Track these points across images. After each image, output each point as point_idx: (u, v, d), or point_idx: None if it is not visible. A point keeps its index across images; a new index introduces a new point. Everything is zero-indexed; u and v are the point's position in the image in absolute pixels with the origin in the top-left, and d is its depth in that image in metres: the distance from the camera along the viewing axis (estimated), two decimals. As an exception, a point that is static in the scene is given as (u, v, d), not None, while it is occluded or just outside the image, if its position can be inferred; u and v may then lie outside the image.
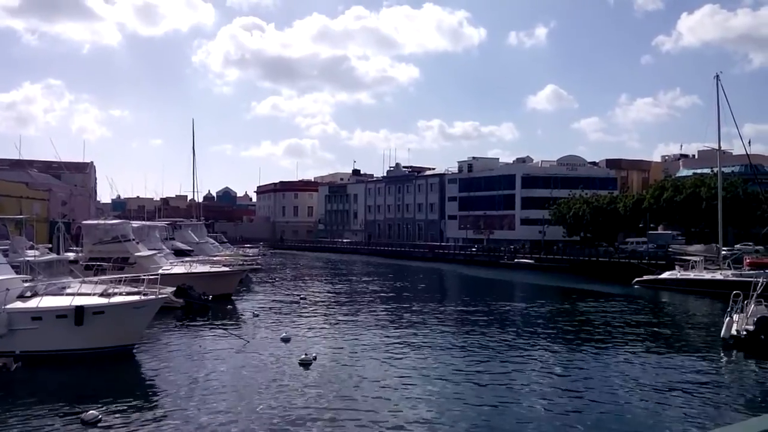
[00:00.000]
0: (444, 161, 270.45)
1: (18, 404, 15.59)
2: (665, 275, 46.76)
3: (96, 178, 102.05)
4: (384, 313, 33.09)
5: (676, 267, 46.87)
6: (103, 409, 14.90)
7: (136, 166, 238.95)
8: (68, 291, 21.94)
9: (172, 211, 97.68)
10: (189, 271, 37.10)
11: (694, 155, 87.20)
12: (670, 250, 53.93)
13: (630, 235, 71.19)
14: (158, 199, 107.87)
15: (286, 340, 23.78)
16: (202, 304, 32.17)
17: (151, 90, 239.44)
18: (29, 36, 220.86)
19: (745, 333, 22.53)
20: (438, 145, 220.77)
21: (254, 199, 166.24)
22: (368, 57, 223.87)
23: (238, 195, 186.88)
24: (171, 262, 40.10)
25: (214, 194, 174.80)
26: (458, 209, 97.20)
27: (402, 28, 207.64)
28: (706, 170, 66.97)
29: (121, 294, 21.55)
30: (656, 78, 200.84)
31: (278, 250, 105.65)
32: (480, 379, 18.46)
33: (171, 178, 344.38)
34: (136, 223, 45.56)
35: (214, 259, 46.58)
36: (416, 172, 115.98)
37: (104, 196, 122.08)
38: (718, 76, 44.94)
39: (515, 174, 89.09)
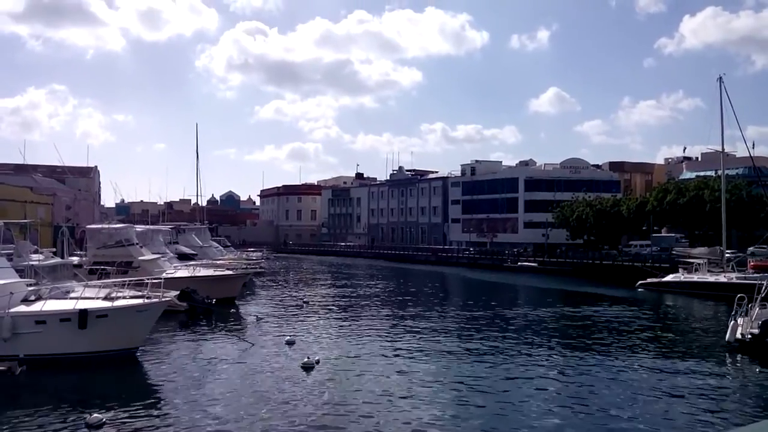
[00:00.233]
0: (447, 164, 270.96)
1: (23, 408, 15.65)
2: (669, 278, 46.66)
3: (100, 183, 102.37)
4: (387, 316, 33.09)
5: (680, 270, 46.76)
6: (108, 412, 14.94)
7: (140, 170, 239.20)
8: (72, 295, 21.99)
9: (175, 215, 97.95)
10: (193, 275, 37.16)
11: (697, 158, 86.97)
12: (673, 252, 53.84)
13: (633, 238, 71.05)
14: (162, 203, 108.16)
15: (290, 343, 23.83)
16: (206, 308, 32.22)
17: (155, 95, 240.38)
18: (33, 41, 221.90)
19: (750, 336, 22.46)
20: (441, 148, 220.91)
21: (258, 203, 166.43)
22: (371, 61, 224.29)
23: (241, 199, 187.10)
24: (175, 266, 40.18)
25: (218, 198, 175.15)
26: (461, 212, 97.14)
27: (404, 32, 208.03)
28: (710, 173, 66.88)
29: (124, 297, 21.61)
30: (659, 80, 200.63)
31: (282, 253, 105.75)
32: (483, 383, 18.44)
33: (175, 182, 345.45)
34: (139, 228, 45.68)
35: (218, 262, 46.67)
36: (419, 176, 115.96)
37: (108, 200, 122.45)
38: (721, 78, 44.95)
39: (518, 177, 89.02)
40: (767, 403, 17.38)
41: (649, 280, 48.50)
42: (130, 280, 23.48)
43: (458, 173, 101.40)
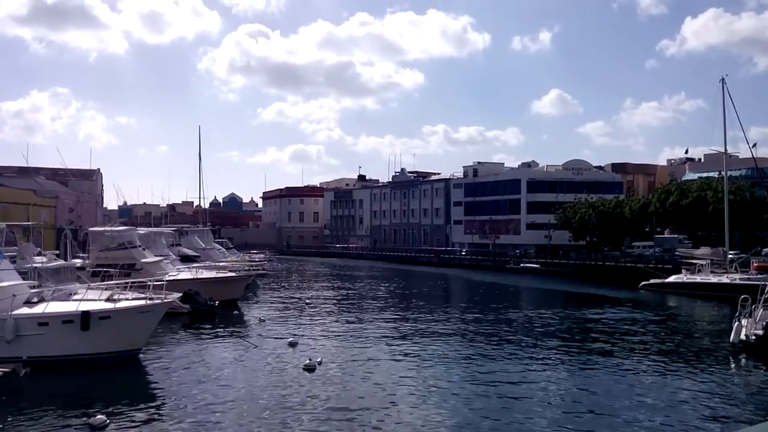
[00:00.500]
0: (449, 166, 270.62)
1: (27, 409, 15.69)
2: (672, 279, 46.60)
3: (103, 185, 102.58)
4: (389, 318, 33.08)
5: (683, 271, 46.69)
6: (111, 414, 14.96)
7: (143, 172, 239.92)
8: (74, 297, 22.03)
9: (178, 217, 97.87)
10: (195, 277, 37.19)
11: (700, 159, 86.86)
12: (676, 254, 53.76)
13: (636, 239, 70.98)
14: (165, 205, 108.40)
15: (293, 344, 23.85)
16: (209, 310, 32.24)
17: (157, 97, 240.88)
18: (37, 45, 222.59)
19: (754, 338, 22.41)
20: (443, 150, 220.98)
21: (260, 205, 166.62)
22: (373, 63, 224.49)
23: (244, 201, 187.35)
24: (178, 268, 40.22)
25: (221, 200, 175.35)
26: (464, 214, 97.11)
27: (406, 34, 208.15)
28: (713, 174, 66.77)
29: (127, 299, 21.64)
30: (661, 82, 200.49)
31: (284, 255, 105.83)
32: (486, 386, 18.39)
33: (177, 184, 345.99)
34: (142, 230, 45.76)
35: (221, 264, 46.70)
36: (421, 177, 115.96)
37: (111, 202, 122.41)
38: (723, 79, 44.92)
39: (521, 178, 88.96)
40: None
41: (651, 281, 48.44)
42: (132, 282, 23.50)
43: (460, 175, 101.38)
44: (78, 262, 34.89)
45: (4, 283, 20.52)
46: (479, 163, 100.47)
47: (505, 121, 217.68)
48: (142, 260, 36.62)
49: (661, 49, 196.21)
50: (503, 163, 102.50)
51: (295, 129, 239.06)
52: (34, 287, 22.45)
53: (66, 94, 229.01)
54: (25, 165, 70.29)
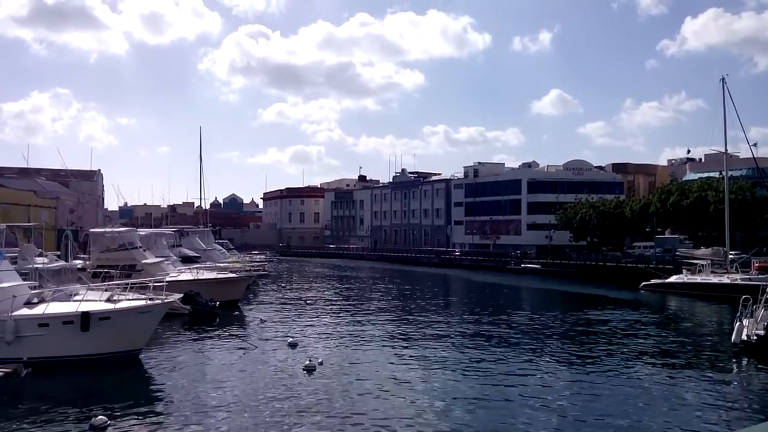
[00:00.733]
0: (450, 166, 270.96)
1: (28, 410, 15.71)
2: (672, 279, 46.58)
3: (103, 186, 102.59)
4: (390, 319, 33.09)
5: (684, 271, 46.65)
6: (112, 414, 14.96)
7: (143, 173, 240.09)
8: (74, 297, 22.03)
9: (179, 218, 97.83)
10: (196, 278, 37.21)
11: (700, 159, 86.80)
12: (677, 254, 53.71)
13: (637, 240, 70.93)
14: (165, 206, 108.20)
15: (293, 345, 23.84)
16: (210, 311, 32.26)
17: (158, 98, 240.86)
18: (37, 46, 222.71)
19: (755, 338, 22.37)
20: (443, 150, 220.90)
21: (261, 206, 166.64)
22: (373, 63, 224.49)
23: (244, 202, 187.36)
24: (178, 269, 40.23)
25: (221, 201, 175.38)
26: (464, 214, 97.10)
27: (407, 34, 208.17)
28: (713, 174, 66.74)
29: (127, 299, 21.64)
30: (661, 82, 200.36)
31: (285, 256, 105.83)
32: (486, 388, 18.33)
33: (178, 185, 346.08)
34: (143, 231, 45.78)
35: (221, 265, 46.70)
36: (422, 178, 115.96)
37: (111, 203, 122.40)
38: (723, 79, 44.88)
39: (521, 179, 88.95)
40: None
41: (652, 281, 48.40)
42: (132, 283, 23.50)
43: (461, 175, 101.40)
44: (79, 263, 34.90)
45: (4, 284, 20.52)
46: (480, 163, 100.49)
47: (506, 122, 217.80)
48: (143, 261, 36.64)
49: (662, 49, 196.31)
50: (504, 164, 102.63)
51: (296, 130, 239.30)
52: (34, 288, 22.45)
53: (67, 95, 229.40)
54: (25, 166, 70.37)
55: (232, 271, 41.83)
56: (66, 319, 19.97)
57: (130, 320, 20.91)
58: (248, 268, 45.90)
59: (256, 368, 20.44)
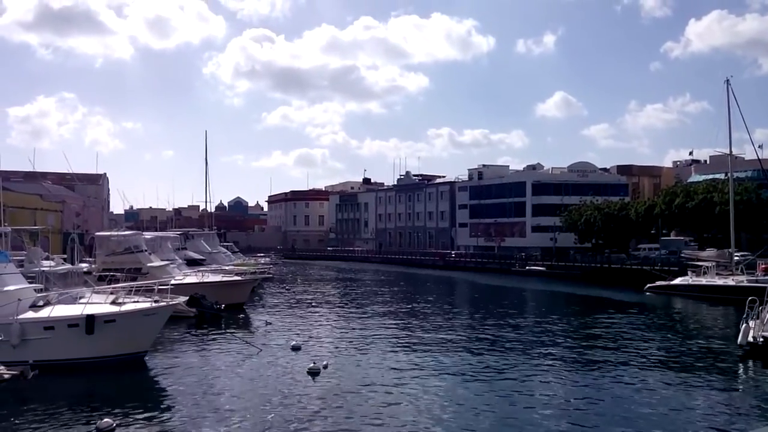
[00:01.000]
0: (454, 169, 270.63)
1: (34, 413, 15.76)
2: (677, 281, 46.46)
3: (109, 190, 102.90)
4: (395, 322, 33.08)
5: (689, 273, 46.54)
6: (117, 417, 15.02)
7: (149, 177, 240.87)
8: (80, 300, 22.11)
9: (184, 221, 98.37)
10: (201, 281, 37.30)
11: (705, 161, 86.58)
12: (682, 256, 53.57)
13: (642, 242, 70.77)
14: (170, 209, 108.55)
15: (296, 348, 23.84)
16: (215, 314, 32.33)
17: (163, 102, 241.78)
18: (43, 50, 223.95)
19: (761, 340, 22.28)
20: (448, 153, 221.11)
21: (265, 209, 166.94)
22: (377, 67, 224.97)
23: (249, 205, 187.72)
24: (184, 273, 40.33)
25: (226, 204, 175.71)
26: (469, 217, 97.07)
27: (411, 37, 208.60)
28: (719, 176, 66.55)
29: (132, 303, 21.70)
30: (666, 84, 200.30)
31: (290, 259, 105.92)
32: (490, 391, 18.25)
33: (183, 188, 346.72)
34: (148, 235, 45.90)
35: (227, 268, 46.79)
36: (426, 180, 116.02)
37: (117, 207, 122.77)
38: (728, 80, 44.81)
39: (526, 181, 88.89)
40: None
41: (657, 283, 48.28)
42: (137, 285, 23.56)
43: (465, 178, 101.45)
44: (85, 266, 35.00)
45: (10, 287, 20.61)
46: (484, 165, 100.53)
47: (510, 124, 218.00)
48: (149, 264, 36.74)
49: (666, 51, 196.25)
50: (508, 166, 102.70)
51: (300, 133, 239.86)
52: (39, 291, 22.53)
53: (72, 99, 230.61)
54: (31, 170, 70.33)
55: (237, 274, 41.90)
56: (71, 322, 20.03)
57: (135, 323, 20.96)
58: (253, 271, 45.99)
59: (261, 371, 20.47)
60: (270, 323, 31.30)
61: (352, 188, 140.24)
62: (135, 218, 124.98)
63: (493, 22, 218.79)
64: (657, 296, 45.79)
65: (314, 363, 20.43)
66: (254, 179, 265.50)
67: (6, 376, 18.42)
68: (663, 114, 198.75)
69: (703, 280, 43.99)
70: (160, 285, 23.50)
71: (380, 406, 16.42)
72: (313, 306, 39.84)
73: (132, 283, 24.42)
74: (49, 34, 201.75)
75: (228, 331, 29.16)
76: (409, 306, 40.59)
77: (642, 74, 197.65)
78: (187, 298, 29.87)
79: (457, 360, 22.61)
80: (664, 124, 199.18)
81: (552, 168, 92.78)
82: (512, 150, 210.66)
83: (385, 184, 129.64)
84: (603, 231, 71.37)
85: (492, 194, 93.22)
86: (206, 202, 72.44)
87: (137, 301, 22.00)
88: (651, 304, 42.35)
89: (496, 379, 19.73)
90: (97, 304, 21.35)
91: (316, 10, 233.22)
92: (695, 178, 78.24)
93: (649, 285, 48.52)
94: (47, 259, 30.18)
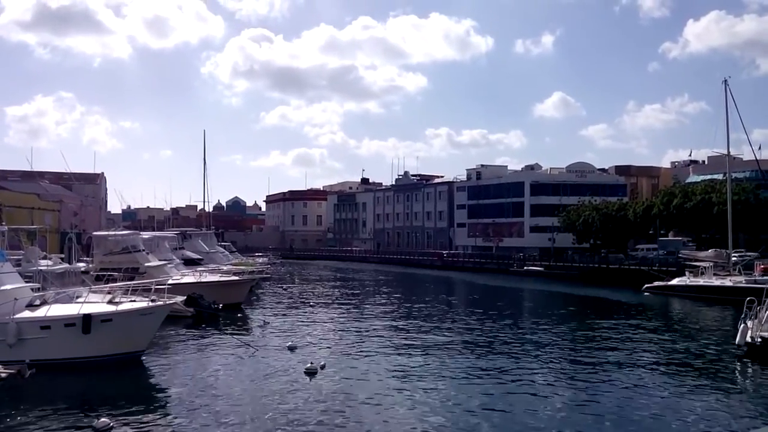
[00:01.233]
0: (452, 169, 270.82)
1: (31, 413, 15.71)
2: (675, 282, 46.51)
3: (106, 189, 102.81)
4: (393, 321, 33.06)
5: (686, 273, 46.58)
6: (114, 417, 14.97)
7: (146, 176, 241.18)
8: (76, 300, 22.03)
9: (182, 220, 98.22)
10: (199, 281, 37.23)
11: (703, 161, 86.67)
12: (680, 256, 53.60)
13: (640, 242, 70.85)
14: (168, 209, 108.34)
15: (291, 348, 23.79)
16: (212, 313, 32.25)
17: (161, 102, 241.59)
18: (41, 50, 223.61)
19: (759, 340, 22.28)
20: (446, 153, 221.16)
21: (263, 209, 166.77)
22: (376, 67, 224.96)
23: (247, 204, 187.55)
24: (182, 273, 40.25)
25: (224, 204, 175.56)
26: (467, 217, 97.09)
27: (409, 37, 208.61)
28: (717, 176, 66.61)
29: (129, 302, 21.63)
30: (664, 84, 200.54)
31: (288, 259, 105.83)
32: (488, 392, 18.21)
33: (180, 188, 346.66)
34: (146, 234, 45.78)
35: (224, 268, 46.72)
36: (425, 180, 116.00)
37: (115, 206, 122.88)
38: (726, 81, 44.90)
39: (524, 181, 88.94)
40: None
41: (655, 283, 48.32)
42: (135, 284, 23.50)
43: (464, 178, 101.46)
44: (82, 266, 34.92)
45: (6, 287, 20.54)
46: (482, 166, 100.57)
47: (508, 124, 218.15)
48: (146, 264, 36.67)
49: (664, 51, 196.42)
50: (506, 166, 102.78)
51: (299, 133, 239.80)
52: (36, 290, 22.46)
53: (70, 98, 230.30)
54: (29, 169, 70.27)
55: (235, 274, 41.83)
56: (67, 322, 19.97)
57: (132, 322, 20.90)
58: (251, 271, 45.91)
59: (258, 371, 20.42)
60: (267, 323, 31.27)
61: (351, 188, 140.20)
62: (132, 218, 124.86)
63: (491, 23, 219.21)
64: (655, 296, 45.82)
65: (312, 363, 20.38)
66: (252, 179, 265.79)
67: (3, 375, 18.33)
68: (661, 114, 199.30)
69: (701, 281, 44.03)
70: (158, 284, 23.42)
71: (377, 406, 16.39)
72: (310, 306, 39.80)
73: (129, 283, 24.37)
74: (47, 33, 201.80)
75: (225, 330, 29.11)
76: (407, 306, 40.56)
77: (640, 75, 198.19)
78: (185, 297, 29.83)
79: (454, 360, 22.57)
80: (663, 124, 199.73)
81: (550, 168, 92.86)
82: (510, 150, 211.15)
83: (384, 184, 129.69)
84: (601, 231, 71.44)
85: (490, 194, 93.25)
86: (204, 201, 72.45)
87: (134, 301, 21.93)
88: (648, 304, 42.38)
89: (493, 378, 19.71)
90: (93, 303, 21.26)
91: (315, 10, 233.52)
92: (693, 178, 78.31)
93: (646, 285, 48.56)
94: (45, 258, 30.11)
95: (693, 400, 17.34)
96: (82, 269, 33.22)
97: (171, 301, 22.50)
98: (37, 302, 21.10)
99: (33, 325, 19.84)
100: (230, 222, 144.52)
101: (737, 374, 21.42)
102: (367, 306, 40.40)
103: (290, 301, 43.54)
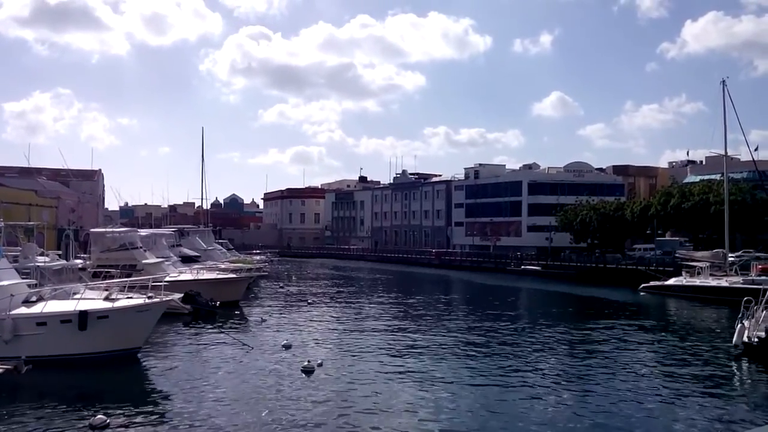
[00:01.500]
0: (450, 168, 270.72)
1: (27, 409, 15.72)
2: (671, 281, 46.56)
3: (104, 186, 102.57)
4: (390, 320, 33.09)
5: (683, 273, 46.64)
6: (111, 413, 14.96)
7: (144, 173, 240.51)
8: (73, 296, 22.01)
9: (179, 218, 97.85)
10: (196, 278, 37.22)
11: (701, 161, 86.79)
12: (677, 256, 53.69)
13: (637, 242, 70.92)
14: (166, 206, 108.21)
15: (287, 346, 23.77)
16: (210, 311, 32.24)
17: (159, 99, 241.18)
18: (39, 46, 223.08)
19: (756, 340, 22.32)
20: (444, 151, 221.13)
21: (261, 206, 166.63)
22: (374, 65, 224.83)
23: (245, 202, 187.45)
24: (179, 270, 40.23)
25: (222, 201, 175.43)
26: (465, 216, 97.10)
27: (408, 36, 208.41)
28: (714, 176, 66.71)
29: (125, 299, 21.61)
30: (662, 85, 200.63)
31: (285, 257, 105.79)
32: (483, 391, 18.28)
33: (178, 185, 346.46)
34: (144, 231, 45.73)
35: (222, 265, 46.69)
36: (423, 179, 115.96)
37: (112, 203, 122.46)
38: (724, 81, 44.91)
39: (522, 180, 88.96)
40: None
41: (651, 283, 48.37)
42: (131, 281, 23.48)
43: (462, 177, 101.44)
44: (79, 262, 34.88)
45: (3, 283, 20.50)
46: (480, 165, 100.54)
47: (506, 123, 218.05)
48: (143, 261, 36.64)
49: (662, 51, 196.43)
50: (504, 165, 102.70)
51: (297, 130, 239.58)
52: (33, 286, 22.43)
53: (68, 95, 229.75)
54: (26, 165, 70.05)
55: (232, 271, 41.81)
56: (64, 318, 19.95)
57: (128, 319, 20.88)
58: (248, 269, 45.88)
59: (255, 368, 20.43)
60: (264, 320, 31.28)
61: (348, 186, 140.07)
62: (130, 215, 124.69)
63: (489, 22, 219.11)
64: (651, 296, 45.88)
65: (309, 361, 20.39)
66: (250, 176, 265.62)
67: (-1, 371, 18.33)
68: (659, 114, 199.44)
69: (697, 281, 44.06)
70: (155, 281, 23.40)
71: (374, 404, 16.41)
72: (308, 303, 39.80)
73: (126, 279, 24.33)
74: (45, 29, 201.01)
75: (222, 328, 29.10)
76: (404, 305, 40.60)
77: (638, 75, 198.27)
78: (182, 294, 29.79)
79: (450, 359, 22.60)
80: (660, 124, 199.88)
81: (548, 168, 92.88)
82: (508, 149, 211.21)
83: (382, 182, 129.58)
84: (598, 231, 71.52)
85: (488, 193, 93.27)
86: (202, 199, 72.46)
87: (131, 298, 21.91)
88: (645, 304, 42.45)
89: (489, 377, 19.72)
90: (90, 300, 21.25)
91: (313, 8, 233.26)
92: (691, 178, 78.41)
93: (643, 285, 48.62)
94: (42, 255, 30.08)
95: (690, 399, 17.37)
96: (79, 266, 33.18)
97: (168, 298, 22.47)
98: (34, 298, 21.07)
99: (29, 321, 19.82)
100: (228, 219, 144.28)
101: (734, 374, 21.46)
102: (365, 304, 40.41)
103: (287, 298, 43.53)
